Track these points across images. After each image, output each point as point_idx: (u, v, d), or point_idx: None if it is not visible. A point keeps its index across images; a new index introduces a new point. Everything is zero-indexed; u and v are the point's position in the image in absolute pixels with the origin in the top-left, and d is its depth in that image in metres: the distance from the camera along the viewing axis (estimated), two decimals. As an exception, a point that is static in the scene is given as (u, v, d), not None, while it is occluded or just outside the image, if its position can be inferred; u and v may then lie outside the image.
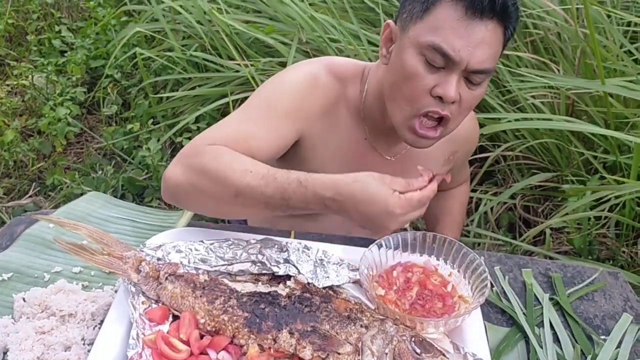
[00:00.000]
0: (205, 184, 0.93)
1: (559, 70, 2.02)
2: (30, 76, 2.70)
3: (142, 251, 0.93)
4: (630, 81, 1.68)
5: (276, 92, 1.06)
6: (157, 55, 2.54)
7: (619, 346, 0.94)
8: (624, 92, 1.55)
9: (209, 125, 2.31)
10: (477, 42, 0.91)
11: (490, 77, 1.00)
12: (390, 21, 1.02)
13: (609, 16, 2.01)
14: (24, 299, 0.90)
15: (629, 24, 2.10)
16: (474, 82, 0.95)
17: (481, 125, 2.02)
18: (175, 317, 0.86)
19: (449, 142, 1.17)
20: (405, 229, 1.86)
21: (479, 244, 1.92)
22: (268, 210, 0.93)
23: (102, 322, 0.87)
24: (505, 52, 2.08)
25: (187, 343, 0.81)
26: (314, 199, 0.90)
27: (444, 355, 0.81)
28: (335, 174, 1.07)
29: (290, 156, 1.12)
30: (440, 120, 0.98)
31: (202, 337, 0.83)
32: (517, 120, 1.93)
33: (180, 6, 2.43)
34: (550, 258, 1.56)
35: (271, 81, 1.10)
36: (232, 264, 0.94)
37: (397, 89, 0.98)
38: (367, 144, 1.14)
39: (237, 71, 2.30)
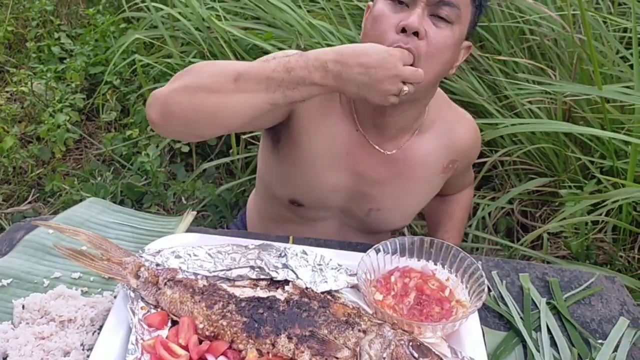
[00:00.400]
0: (204, 79, 0.93)
1: (555, 76, 2.03)
2: (29, 83, 2.70)
3: (141, 257, 0.94)
4: (627, 87, 1.69)
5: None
6: (156, 62, 2.54)
7: (615, 350, 0.95)
8: (621, 97, 1.56)
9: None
10: None
11: (459, 25, 1.01)
12: (370, 3, 1.06)
13: (605, 22, 2.02)
14: (23, 306, 0.90)
15: (624, 30, 2.11)
16: (440, 15, 0.98)
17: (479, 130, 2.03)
18: (174, 323, 0.87)
19: (447, 149, 1.19)
20: (403, 234, 1.87)
21: (477, 249, 1.92)
22: (269, 93, 0.91)
23: (101, 327, 0.87)
24: (503, 57, 2.10)
25: (186, 348, 0.81)
26: (315, 63, 0.90)
27: (441, 359, 0.81)
28: (328, 163, 1.12)
29: (284, 135, 1.14)
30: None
31: (200, 342, 0.84)
32: (514, 125, 1.94)
33: (179, 13, 2.44)
34: (548, 262, 1.57)
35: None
36: (230, 269, 0.95)
37: (370, 33, 1.01)
38: (359, 136, 1.14)
39: (236, 77, 2.30)
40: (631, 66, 1.82)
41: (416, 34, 0.96)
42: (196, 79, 0.94)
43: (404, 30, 0.96)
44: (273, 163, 1.21)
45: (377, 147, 1.14)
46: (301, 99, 0.94)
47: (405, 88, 0.92)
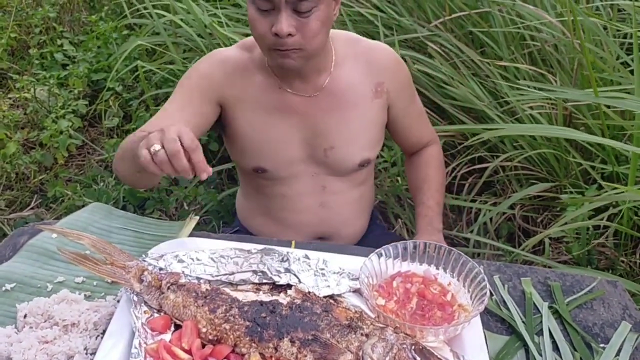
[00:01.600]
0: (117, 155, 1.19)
1: (556, 81, 2.04)
2: (32, 89, 2.71)
3: (145, 261, 0.94)
4: (627, 92, 1.70)
5: (192, 76, 1.27)
6: (159, 68, 2.55)
7: (618, 354, 0.95)
8: (616, 103, 1.56)
9: (209, 137, 2.33)
10: None
11: (323, 3, 1.09)
12: None
13: (605, 28, 2.03)
14: (25, 315, 0.91)
15: (624, 35, 2.12)
16: (302, 10, 1.07)
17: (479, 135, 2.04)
18: (177, 327, 0.87)
19: (369, 74, 1.28)
20: (403, 238, 1.87)
21: (478, 254, 1.92)
22: (135, 162, 0.97)
23: (104, 331, 0.88)
24: (503, 63, 2.10)
25: (189, 352, 0.81)
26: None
27: (443, 363, 0.81)
28: (264, 124, 1.28)
29: (226, 123, 1.30)
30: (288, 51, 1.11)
31: (203, 346, 0.84)
32: (514, 126, 1.94)
33: (182, 20, 2.46)
34: (550, 267, 1.57)
35: (191, 68, 1.31)
36: (233, 273, 0.95)
37: (253, 35, 1.15)
38: (283, 91, 1.26)
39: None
40: (631, 72, 1.83)
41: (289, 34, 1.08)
42: (117, 165, 1.20)
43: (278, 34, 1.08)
44: (229, 143, 1.36)
45: (302, 94, 1.26)
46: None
47: (157, 147, 0.91)
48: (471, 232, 1.97)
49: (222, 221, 2.14)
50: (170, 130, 0.91)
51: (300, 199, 1.35)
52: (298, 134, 1.28)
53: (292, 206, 1.35)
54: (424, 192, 1.42)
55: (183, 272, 0.94)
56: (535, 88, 1.89)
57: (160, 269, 0.93)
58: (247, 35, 2.41)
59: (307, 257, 0.99)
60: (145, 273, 0.90)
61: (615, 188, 1.53)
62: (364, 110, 1.29)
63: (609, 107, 1.78)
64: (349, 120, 1.28)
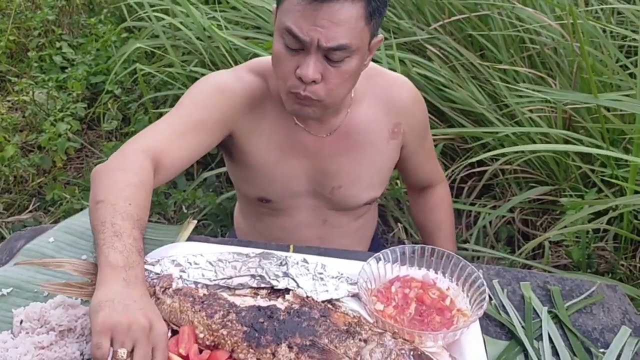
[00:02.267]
0: (102, 178, 0.97)
1: (555, 84, 2.03)
2: (31, 92, 2.71)
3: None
4: (626, 95, 1.70)
5: (200, 94, 1.16)
6: (157, 71, 2.55)
7: (618, 359, 0.95)
8: (616, 105, 1.56)
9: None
10: (325, 22, 0.96)
11: (358, 52, 1.02)
12: (274, 6, 1.08)
13: (604, 31, 2.03)
14: (21, 321, 0.90)
15: (624, 38, 2.12)
16: (334, 59, 1.00)
17: (478, 139, 2.04)
18: (174, 332, 0.86)
19: (388, 114, 1.23)
20: (403, 243, 1.86)
21: (477, 258, 1.92)
22: (92, 232, 0.90)
23: (101, 336, 0.87)
24: (502, 66, 2.10)
25: (186, 358, 0.81)
26: (132, 260, 0.83)
27: (442, 368, 0.81)
28: (275, 159, 1.21)
29: (233, 150, 1.22)
30: (307, 99, 1.04)
31: (201, 351, 0.83)
32: (514, 134, 1.94)
33: (181, 23, 2.45)
34: (549, 272, 1.57)
35: (198, 84, 1.19)
36: (231, 277, 0.95)
37: (274, 69, 1.07)
38: (298, 128, 1.20)
39: (237, 86, 2.32)
40: (631, 74, 1.83)
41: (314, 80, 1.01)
42: (96, 182, 0.97)
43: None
44: (233, 168, 1.31)
45: (317, 134, 1.20)
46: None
47: (124, 352, 0.74)
48: (470, 235, 1.97)
49: (220, 225, 2.14)
50: (146, 342, 0.75)
51: (300, 230, 1.32)
52: (307, 171, 1.23)
53: (290, 236, 1.29)
54: (437, 239, 1.42)
55: (180, 276, 0.93)
56: (535, 91, 1.89)
57: (157, 274, 0.93)
58: (245, 38, 2.42)
59: (305, 261, 0.99)
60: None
61: (615, 192, 1.53)
62: (378, 151, 1.25)
63: (608, 110, 1.77)
64: (361, 161, 1.24)
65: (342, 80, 1.04)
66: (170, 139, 1.08)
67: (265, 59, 1.19)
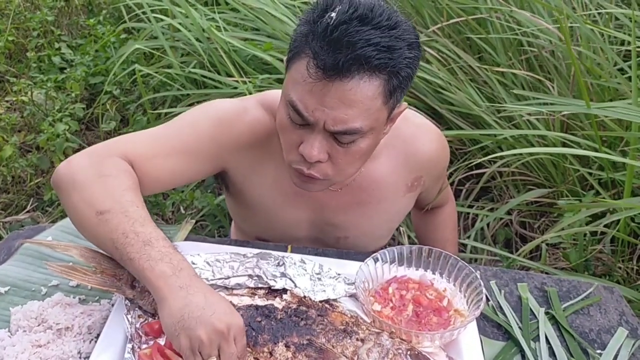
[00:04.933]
0: (89, 188, 0.87)
1: (553, 87, 2.04)
2: (29, 92, 2.71)
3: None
4: (623, 99, 1.70)
5: (201, 119, 1.02)
6: (156, 72, 2.55)
7: (614, 360, 0.95)
8: (610, 113, 1.57)
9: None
10: (334, 102, 0.83)
11: (372, 132, 0.90)
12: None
13: (602, 35, 2.04)
14: (19, 319, 0.90)
15: (622, 42, 2.13)
16: (342, 141, 0.88)
17: (477, 142, 2.04)
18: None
19: (408, 168, 1.10)
20: (400, 243, 1.87)
21: (475, 260, 1.92)
22: (111, 245, 0.84)
23: (98, 335, 0.87)
24: (500, 69, 2.11)
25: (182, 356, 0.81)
26: (175, 261, 0.81)
27: (439, 368, 0.81)
28: (278, 205, 1.07)
29: (230, 186, 1.11)
30: (311, 177, 0.93)
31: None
32: (512, 136, 1.94)
33: (180, 24, 2.46)
34: (547, 273, 1.57)
35: (201, 107, 1.05)
36: (229, 277, 0.95)
37: (279, 135, 0.95)
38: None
39: (235, 88, 2.32)
40: (629, 78, 1.83)
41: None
42: (89, 181, 0.88)
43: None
44: (230, 202, 1.20)
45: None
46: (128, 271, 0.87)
47: (214, 359, 0.77)
48: (468, 237, 1.97)
49: (218, 225, 2.14)
50: (231, 344, 0.77)
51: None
52: (311, 220, 1.13)
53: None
54: None
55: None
56: (531, 97, 1.90)
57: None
58: (244, 39, 2.42)
59: (303, 261, 0.99)
60: (139, 278, 0.90)
61: (613, 195, 1.53)
62: (392, 204, 1.14)
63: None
64: (372, 215, 1.13)
65: (352, 160, 0.92)
66: (151, 155, 0.96)
67: (278, 95, 1.03)
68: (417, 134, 1.10)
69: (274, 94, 1.05)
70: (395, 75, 0.85)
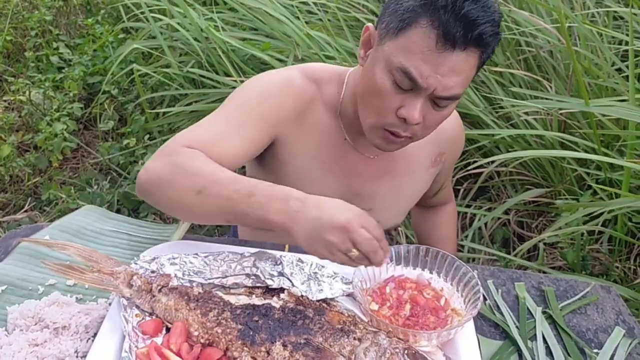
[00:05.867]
0: (176, 178, 0.92)
1: (551, 87, 2.04)
2: (27, 92, 2.71)
3: (136, 264, 0.94)
4: (621, 100, 1.71)
5: (251, 95, 1.07)
6: (154, 72, 2.56)
7: (611, 359, 0.95)
8: (608, 111, 1.57)
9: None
10: (447, 70, 0.91)
11: (458, 99, 0.99)
12: (370, 25, 1.01)
13: (600, 35, 2.04)
14: (16, 319, 0.90)
15: (620, 42, 2.13)
16: (440, 105, 0.96)
17: (475, 141, 2.04)
18: (169, 330, 0.86)
19: (434, 142, 1.17)
20: (398, 243, 1.87)
21: (473, 259, 1.92)
22: (223, 212, 0.90)
23: (95, 334, 0.87)
24: (499, 69, 2.11)
25: (179, 354, 0.81)
26: (280, 194, 0.87)
27: (436, 367, 0.81)
28: (314, 175, 1.11)
29: (269, 157, 1.13)
30: (402, 137, 1.00)
31: (192, 347, 0.83)
32: (510, 136, 1.94)
33: (178, 24, 2.46)
34: (544, 272, 1.57)
35: (247, 84, 1.10)
36: (226, 276, 0.95)
37: (367, 99, 0.99)
38: (347, 144, 1.13)
39: (234, 87, 2.32)
40: (626, 77, 1.84)
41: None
42: (173, 174, 0.93)
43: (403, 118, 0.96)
44: (258, 175, 1.20)
45: (364, 153, 1.14)
46: (249, 226, 0.93)
47: (354, 252, 0.83)
48: (466, 237, 1.97)
49: (216, 225, 2.14)
50: (360, 231, 0.82)
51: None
52: (340, 190, 1.15)
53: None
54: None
55: (175, 275, 0.93)
56: (530, 96, 1.90)
57: (152, 271, 0.93)
58: (243, 39, 2.42)
59: (300, 261, 0.99)
60: (135, 277, 0.90)
61: (610, 194, 1.53)
62: (417, 178, 1.22)
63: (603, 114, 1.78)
64: (398, 187, 1.20)
65: (439, 122, 1.00)
66: (214, 140, 1.00)
67: (320, 67, 1.14)
68: None
69: (315, 66, 1.14)
70: (491, 49, 0.95)
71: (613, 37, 2.08)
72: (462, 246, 1.96)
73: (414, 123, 0.95)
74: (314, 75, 1.10)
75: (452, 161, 1.30)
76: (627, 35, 2.00)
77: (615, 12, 2.16)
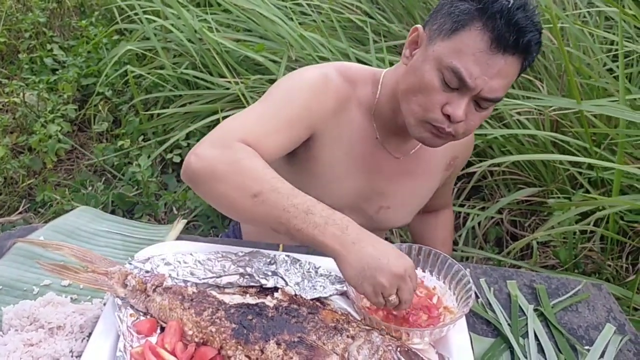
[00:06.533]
0: (233, 175, 0.92)
1: (543, 87, 2.06)
2: (21, 94, 2.70)
3: (131, 264, 0.94)
4: (613, 100, 1.72)
5: (293, 90, 1.08)
6: (148, 73, 2.56)
7: (602, 356, 0.96)
8: (600, 111, 1.58)
9: (199, 141, 2.33)
10: (494, 73, 0.95)
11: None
12: (419, 26, 1.04)
13: (591, 35, 2.06)
14: (11, 319, 0.90)
15: (611, 42, 2.15)
16: (482, 106, 1.01)
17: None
18: (164, 330, 0.87)
19: (450, 146, 1.19)
20: (391, 242, 1.87)
21: (466, 258, 1.93)
22: (276, 223, 0.90)
23: (90, 334, 0.87)
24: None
25: (174, 353, 0.81)
26: (338, 220, 0.89)
27: (429, 364, 0.82)
28: (344, 172, 1.15)
29: (301, 152, 1.13)
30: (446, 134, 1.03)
31: (186, 346, 0.84)
32: (502, 136, 1.96)
33: (172, 25, 2.46)
34: (536, 271, 1.58)
35: (288, 78, 1.12)
36: (220, 276, 0.95)
37: (413, 94, 1.02)
38: (377, 143, 1.17)
39: (228, 88, 2.33)
40: (617, 77, 1.85)
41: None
42: (231, 170, 0.93)
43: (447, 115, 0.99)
44: (282, 174, 1.21)
45: (393, 153, 1.18)
46: (296, 241, 0.92)
47: (394, 297, 0.86)
48: (459, 236, 1.98)
49: (211, 225, 2.14)
50: (408, 281, 0.86)
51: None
52: (363, 187, 1.19)
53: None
54: None
55: (170, 275, 0.94)
56: (522, 96, 1.91)
57: (147, 272, 0.93)
58: (237, 40, 2.43)
59: (294, 260, 1.00)
60: (129, 277, 0.90)
61: (602, 193, 1.54)
62: (432, 180, 1.27)
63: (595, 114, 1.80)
64: (416, 188, 1.25)
65: (479, 122, 1.05)
66: (263, 134, 1.01)
67: (354, 67, 1.17)
68: None
69: (349, 66, 1.16)
70: (532, 57, 1.00)
71: (604, 37, 2.09)
72: (456, 244, 1.97)
73: (458, 120, 0.99)
74: (348, 75, 1.13)
75: (462, 165, 1.35)
76: (614, 34, 2.02)
77: (606, 13, 2.18)
